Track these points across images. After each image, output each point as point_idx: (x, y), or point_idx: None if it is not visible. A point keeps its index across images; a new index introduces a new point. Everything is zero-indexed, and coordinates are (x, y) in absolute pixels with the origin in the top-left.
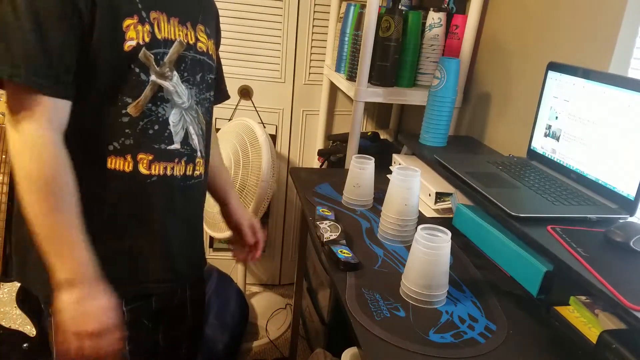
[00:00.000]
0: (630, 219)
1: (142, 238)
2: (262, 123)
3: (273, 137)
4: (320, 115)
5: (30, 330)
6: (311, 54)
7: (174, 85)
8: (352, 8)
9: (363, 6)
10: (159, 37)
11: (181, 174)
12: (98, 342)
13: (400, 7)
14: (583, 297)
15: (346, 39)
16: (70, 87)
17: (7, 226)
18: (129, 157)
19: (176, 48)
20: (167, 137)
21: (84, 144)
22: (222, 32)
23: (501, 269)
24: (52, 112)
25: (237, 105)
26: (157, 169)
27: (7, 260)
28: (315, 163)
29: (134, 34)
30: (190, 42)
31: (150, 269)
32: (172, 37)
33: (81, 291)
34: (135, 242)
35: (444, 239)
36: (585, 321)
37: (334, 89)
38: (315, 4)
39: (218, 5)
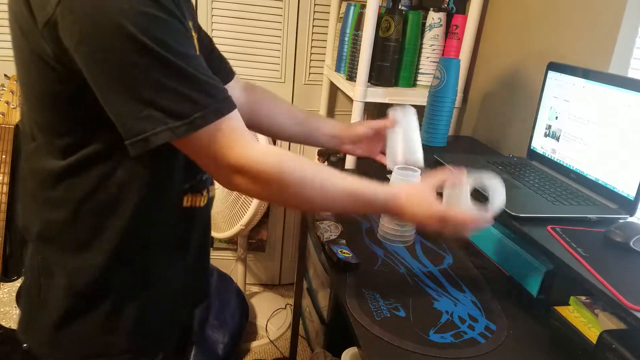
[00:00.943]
0: (630, 219)
1: (198, 264)
2: None
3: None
4: (320, 115)
5: None
6: (311, 54)
7: None
8: (352, 8)
9: (363, 6)
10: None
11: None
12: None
13: (400, 7)
14: (583, 297)
15: (346, 39)
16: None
17: (7, 226)
18: (204, 192)
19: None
20: None
21: (162, 186)
22: (222, 32)
23: (501, 269)
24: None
25: None
26: (212, 191)
27: (7, 260)
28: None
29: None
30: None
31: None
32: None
33: (408, 200)
34: (192, 270)
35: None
36: (585, 321)
37: (334, 89)
38: (315, 4)
39: (218, 5)
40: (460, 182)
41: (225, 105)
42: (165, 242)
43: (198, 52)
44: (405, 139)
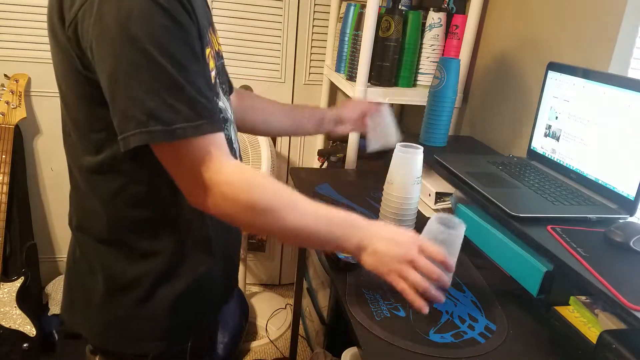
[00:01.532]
0: (630, 219)
1: (227, 254)
2: None
3: (273, 137)
4: None
5: (30, 330)
6: (311, 54)
7: (224, 101)
8: (352, 8)
9: (363, 6)
10: (217, 57)
11: None
12: (417, 263)
13: (400, 7)
14: (583, 297)
15: (346, 39)
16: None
17: (7, 226)
18: None
19: (220, 62)
20: (235, 155)
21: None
22: (222, 32)
23: (501, 269)
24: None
25: None
26: None
27: (7, 260)
28: (315, 163)
29: (212, 64)
30: (220, 51)
31: (221, 292)
32: (217, 49)
33: (370, 246)
34: (222, 260)
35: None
36: (585, 321)
37: (334, 89)
38: (315, 4)
39: (218, 5)
40: (382, 111)
41: (208, 126)
42: (194, 234)
43: (213, 62)
44: (383, 125)
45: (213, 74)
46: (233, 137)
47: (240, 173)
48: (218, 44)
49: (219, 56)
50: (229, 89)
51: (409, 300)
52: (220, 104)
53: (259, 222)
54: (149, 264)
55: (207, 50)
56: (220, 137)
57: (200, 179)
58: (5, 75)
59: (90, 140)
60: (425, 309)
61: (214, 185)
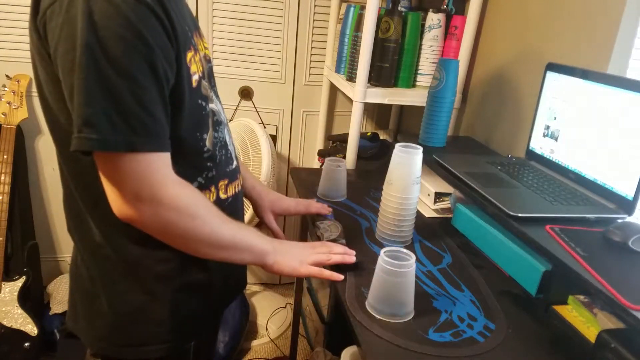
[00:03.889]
0: (628, 219)
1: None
2: (263, 123)
3: (273, 138)
4: (320, 115)
5: (31, 329)
6: (311, 55)
7: (217, 104)
8: (351, 9)
9: (363, 7)
10: (204, 61)
11: (240, 188)
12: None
13: (399, 8)
14: (582, 297)
15: (346, 40)
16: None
17: (9, 226)
18: (212, 188)
19: (208, 65)
20: (230, 157)
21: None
22: (222, 33)
23: (500, 268)
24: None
25: (237, 105)
26: (231, 190)
27: (9, 259)
28: (316, 163)
29: (195, 67)
30: (208, 55)
31: (226, 292)
32: (203, 54)
33: (275, 256)
34: (216, 265)
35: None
36: (584, 320)
37: (333, 90)
38: (315, 5)
39: (219, 6)
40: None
41: (142, 144)
42: None
43: (196, 66)
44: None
45: (195, 77)
46: (228, 140)
47: (181, 189)
48: (205, 47)
49: (206, 60)
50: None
51: (325, 277)
52: (213, 106)
53: (174, 233)
54: (144, 270)
55: (189, 55)
56: (161, 157)
57: (131, 193)
58: (7, 76)
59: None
60: (340, 277)
61: (147, 201)
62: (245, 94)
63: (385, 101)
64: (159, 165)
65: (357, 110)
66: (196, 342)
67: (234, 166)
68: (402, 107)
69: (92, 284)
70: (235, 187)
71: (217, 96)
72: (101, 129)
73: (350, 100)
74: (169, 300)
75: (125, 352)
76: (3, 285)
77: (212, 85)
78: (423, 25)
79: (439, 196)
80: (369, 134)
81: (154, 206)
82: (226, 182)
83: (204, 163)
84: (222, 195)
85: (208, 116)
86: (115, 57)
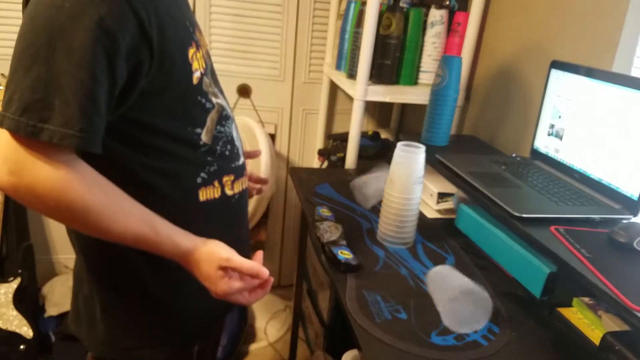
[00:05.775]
0: (633, 220)
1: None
2: (262, 122)
3: (272, 137)
4: (320, 114)
5: (27, 331)
6: (311, 52)
7: (222, 100)
8: (352, 5)
9: (364, 3)
10: (206, 57)
11: (247, 185)
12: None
13: (401, 4)
14: (586, 299)
15: (346, 36)
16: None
17: (4, 227)
18: (216, 183)
19: (210, 61)
20: (236, 153)
21: (178, 184)
22: (221, 29)
23: (504, 270)
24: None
25: (235, 103)
26: (238, 187)
27: (4, 261)
28: (315, 163)
29: (197, 64)
30: (209, 50)
31: None
32: (206, 50)
33: (193, 260)
34: None
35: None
36: (589, 323)
37: (334, 88)
38: (315, 1)
39: (218, 2)
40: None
41: (49, 134)
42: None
43: (198, 63)
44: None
45: (197, 74)
46: (235, 135)
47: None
48: (205, 44)
49: (208, 56)
50: None
51: (248, 302)
52: (221, 101)
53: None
54: (144, 273)
55: (191, 51)
56: (75, 160)
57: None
58: (3, 75)
59: None
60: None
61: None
62: (244, 91)
63: (387, 99)
64: (72, 163)
65: (357, 109)
66: (199, 346)
67: (240, 162)
68: (403, 106)
69: (92, 287)
70: (242, 184)
71: (222, 92)
72: (10, 106)
73: (351, 98)
74: (172, 303)
75: (128, 356)
76: None
77: (215, 81)
78: (425, 22)
79: (441, 196)
80: (370, 132)
81: (13, 181)
82: (232, 177)
83: (203, 158)
84: (229, 192)
85: (207, 112)
86: (69, 43)
